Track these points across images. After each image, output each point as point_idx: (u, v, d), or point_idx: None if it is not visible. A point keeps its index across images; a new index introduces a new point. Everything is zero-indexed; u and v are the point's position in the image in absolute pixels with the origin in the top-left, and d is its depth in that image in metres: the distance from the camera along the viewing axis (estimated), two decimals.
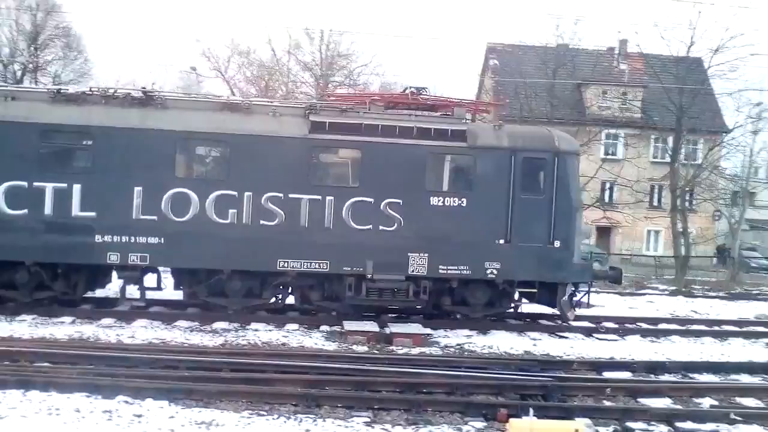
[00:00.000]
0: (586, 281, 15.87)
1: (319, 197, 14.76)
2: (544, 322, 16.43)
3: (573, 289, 15.59)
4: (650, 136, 39.67)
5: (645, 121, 37.54)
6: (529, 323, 15.96)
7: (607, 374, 11.85)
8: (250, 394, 9.37)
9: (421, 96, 16.05)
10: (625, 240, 43.31)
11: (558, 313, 15.83)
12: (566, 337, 15.17)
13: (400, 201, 14.90)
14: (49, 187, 14.22)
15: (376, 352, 12.74)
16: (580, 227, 15.82)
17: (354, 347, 13.05)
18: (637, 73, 41.97)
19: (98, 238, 14.29)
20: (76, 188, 14.28)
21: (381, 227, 14.86)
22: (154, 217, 14.40)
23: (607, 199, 39.27)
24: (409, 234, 14.89)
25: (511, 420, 8.24)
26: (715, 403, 10.41)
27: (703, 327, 16.95)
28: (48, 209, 14.22)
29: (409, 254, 14.91)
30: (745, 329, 16.90)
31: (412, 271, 14.92)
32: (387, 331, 13.83)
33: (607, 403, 10.13)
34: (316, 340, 13.47)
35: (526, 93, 33.34)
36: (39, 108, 14.40)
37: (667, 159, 33.10)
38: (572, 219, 15.45)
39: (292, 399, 9.32)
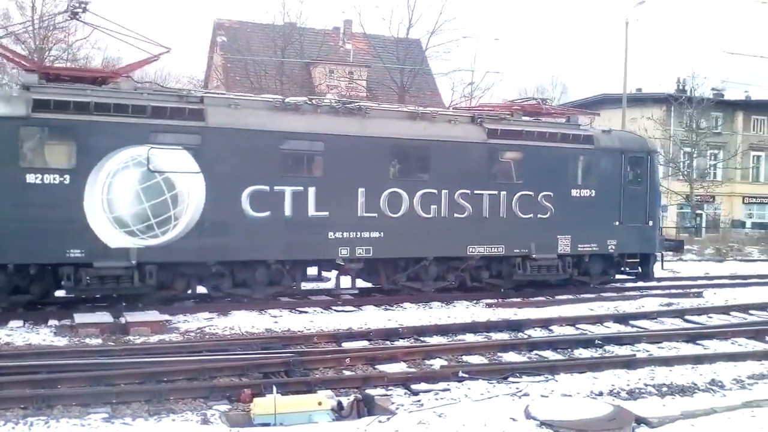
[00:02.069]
0: (664, 251, 20.57)
1: (496, 192, 17.55)
2: (284, 299, 16.62)
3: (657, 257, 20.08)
4: None
5: (370, 99, 39.07)
6: (269, 300, 16.04)
7: (346, 345, 12.27)
8: None
9: (548, 105, 20.92)
10: None
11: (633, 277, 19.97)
12: (306, 312, 15.49)
13: (552, 194, 18.11)
14: (288, 190, 15.42)
15: (111, 343, 12.13)
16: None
17: (87, 340, 12.32)
18: (362, 53, 43.53)
19: (330, 235, 15.83)
20: (311, 191, 15.63)
21: (539, 215, 18.00)
22: (375, 215, 16.28)
23: None
24: (558, 220, 18.14)
25: (255, 399, 8.25)
26: (445, 363, 11.17)
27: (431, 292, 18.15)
28: (288, 211, 15.42)
29: (558, 236, 18.20)
30: (468, 293, 18.27)
31: (561, 250, 18.27)
32: (122, 320, 13.22)
33: (347, 373, 10.48)
34: (44, 337, 12.55)
35: (256, 71, 33.29)
36: (274, 117, 15.52)
37: None
38: (658, 203, 20.27)
39: (20, 402, 8.58)
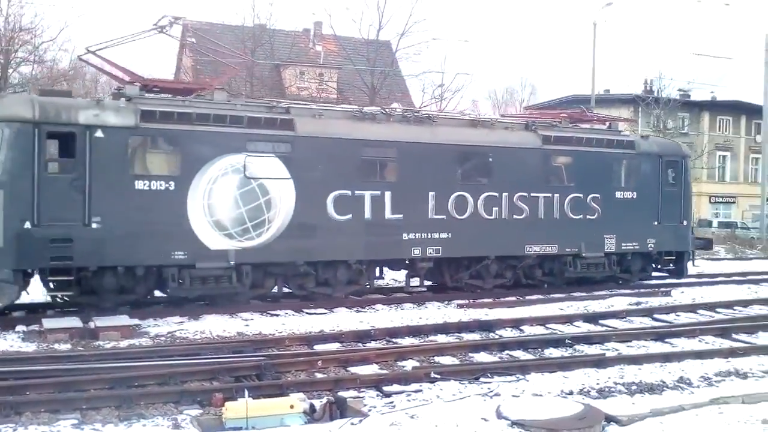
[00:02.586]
0: (695, 249, 21.74)
1: (550, 194, 18.67)
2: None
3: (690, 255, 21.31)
4: None
5: (341, 101, 39.03)
6: (244, 305, 15.96)
7: (318, 347, 12.28)
8: None
9: (591, 113, 22.37)
10: None
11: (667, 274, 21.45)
12: (278, 315, 15.44)
13: (599, 195, 19.34)
14: (367, 195, 16.43)
15: (81, 349, 12.01)
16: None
17: (56, 346, 12.19)
18: (332, 54, 43.49)
19: (405, 236, 16.88)
20: (387, 195, 16.66)
21: (588, 216, 19.21)
22: (443, 217, 17.29)
23: None
24: (604, 220, 19.36)
25: (227, 403, 8.23)
26: (417, 364, 11.21)
27: (403, 294, 18.20)
28: (367, 214, 16.43)
29: (604, 236, 19.42)
30: (440, 294, 18.33)
31: (607, 248, 19.50)
32: (91, 325, 13.10)
33: (319, 376, 10.47)
34: (11, 342, 12.40)
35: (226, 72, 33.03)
36: (355, 125, 16.58)
37: None
38: (691, 204, 21.77)
39: None
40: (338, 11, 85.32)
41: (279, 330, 13.63)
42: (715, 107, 58.86)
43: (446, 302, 17.28)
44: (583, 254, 19.10)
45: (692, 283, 21.22)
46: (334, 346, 12.43)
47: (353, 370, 10.78)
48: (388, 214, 16.67)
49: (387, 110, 17.82)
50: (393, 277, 20.45)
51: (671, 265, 21.16)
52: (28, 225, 13.39)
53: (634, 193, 20.03)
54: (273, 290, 16.45)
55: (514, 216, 18.16)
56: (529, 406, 8.47)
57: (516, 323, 14.58)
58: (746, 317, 16.14)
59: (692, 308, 17.02)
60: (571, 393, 9.69)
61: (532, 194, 18.39)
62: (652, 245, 20.27)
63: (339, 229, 16.14)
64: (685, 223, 20.99)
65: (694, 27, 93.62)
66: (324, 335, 13.07)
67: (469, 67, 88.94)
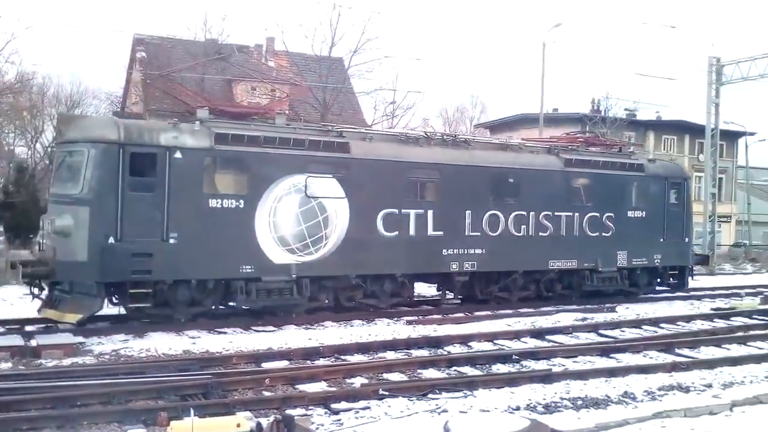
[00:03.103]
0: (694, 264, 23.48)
1: (571, 213, 20.10)
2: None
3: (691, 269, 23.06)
4: None
5: (292, 117, 38.87)
6: (189, 323, 15.75)
7: (266, 365, 12.17)
8: None
9: (603, 137, 25.27)
10: None
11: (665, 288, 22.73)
12: (225, 333, 15.28)
13: (613, 214, 20.83)
14: (412, 213, 17.62)
15: (22, 367, 11.72)
16: None
17: None
18: (284, 70, 43.36)
19: (444, 252, 18.07)
20: (430, 213, 17.86)
21: (603, 233, 20.66)
22: (478, 234, 18.54)
23: None
24: (617, 237, 20.83)
25: (172, 422, 8.10)
26: (366, 381, 11.20)
27: (353, 312, 18.12)
28: (412, 230, 17.58)
29: (617, 252, 20.85)
30: (391, 310, 18.31)
31: (619, 263, 20.90)
32: (33, 343, 12.79)
33: (266, 394, 10.39)
34: None
35: (176, 87, 32.76)
36: (401, 149, 17.90)
37: None
38: (692, 222, 23.36)
39: None
40: (291, 27, 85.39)
41: (226, 348, 13.48)
42: (660, 127, 60.16)
43: (395, 319, 17.31)
44: (600, 269, 20.56)
45: (637, 300, 21.59)
46: (283, 363, 12.34)
47: (301, 387, 10.72)
48: (430, 231, 17.89)
49: (428, 134, 19.50)
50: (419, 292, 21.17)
51: (672, 279, 22.61)
52: (111, 240, 14.20)
53: (643, 212, 21.60)
54: (326, 302, 17.37)
55: (540, 233, 19.58)
56: (477, 422, 8.49)
57: (465, 339, 14.66)
58: (689, 332, 16.50)
59: (637, 324, 17.35)
60: (518, 408, 9.77)
61: (555, 213, 19.83)
62: (659, 260, 21.82)
63: (387, 244, 17.27)
64: (686, 239, 22.73)
65: (640, 48, 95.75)
66: (272, 353, 12.96)
67: (420, 85, 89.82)
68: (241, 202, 15.56)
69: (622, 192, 21.31)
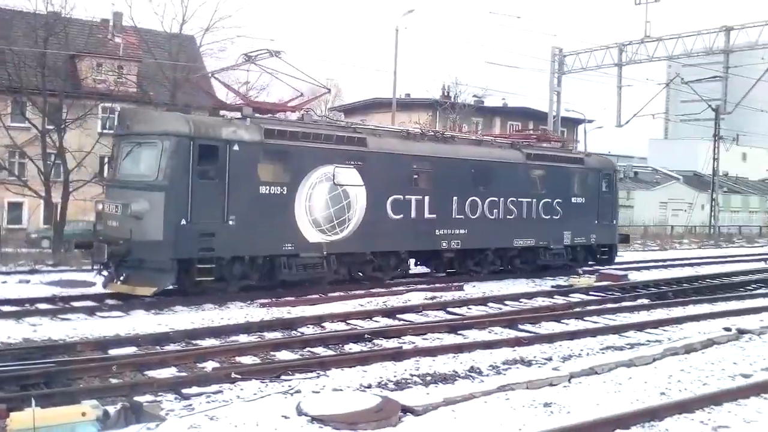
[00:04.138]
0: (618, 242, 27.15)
1: (530, 199, 23.34)
2: (43, 306, 15.64)
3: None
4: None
5: (141, 96, 37.53)
6: (27, 309, 15.00)
7: (113, 351, 11.79)
8: None
9: (551, 134, 29.57)
10: None
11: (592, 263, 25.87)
12: (69, 319, 14.66)
13: (561, 200, 24.15)
14: (413, 199, 20.38)
15: None
16: None
17: None
18: (132, 47, 41.77)
19: (437, 232, 20.97)
20: (426, 199, 20.63)
21: (554, 217, 23.97)
22: (462, 216, 21.52)
23: (105, 174, 38.64)
24: (564, 220, 24.18)
25: (12, 414, 7.71)
26: (217, 365, 11.09)
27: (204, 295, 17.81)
28: (413, 214, 20.37)
29: (564, 232, 24.24)
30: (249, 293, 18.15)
31: (565, 242, 24.32)
32: None
33: (114, 381, 10.10)
34: None
35: (15, 62, 30.84)
36: (405, 143, 20.73)
37: None
38: (618, 207, 27.43)
39: None
40: (140, 2, 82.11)
41: (70, 335, 12.94)
42: (506, 113, 62.45)
43: (249, 302, 17.15)
44: (551, 247, 23.93)
45: (483, 278, 22.46)
46: (131, 350, 11.99)
47: (151, 373, 10.48)
48: (426, 214, 20.65)
49: (423, 131, 22.50)
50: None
51: (602, 255, 26.00)
52: (183, 222, 16.15)
53: (583, 198, 25.02)
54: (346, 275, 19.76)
55: (507, 216, 22.72)
56: (329, 402, 8.63)
57: (318, 320, 14.78)
58: (531, 308, 17.36)
59: (483, 301, 18.06)
60: (369, 386, 9.97)
61: (519, 199, 23.02)
62: (594, 239, 25.41)
63: (394, 226, 19.95)
64: (614, 222, 26.54)
65: (489, 37, 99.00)
66: (119, 339, 12.58)
67: (274, 66, 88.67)
68: (284, 188, 17.82)
69: (567, 182, 24.66)
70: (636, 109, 43.54)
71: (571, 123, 61.20)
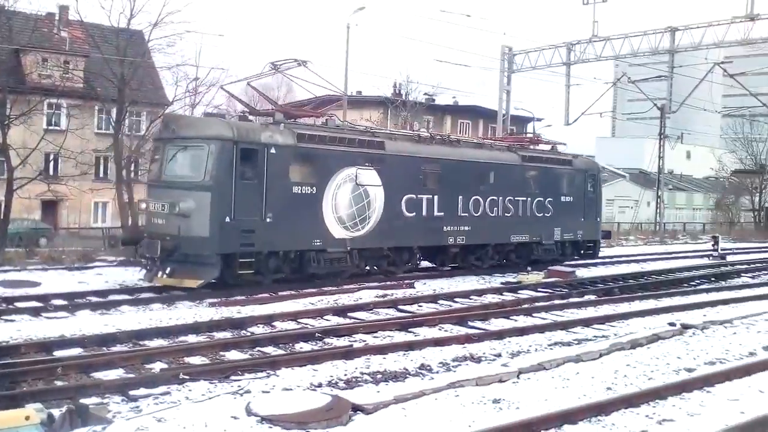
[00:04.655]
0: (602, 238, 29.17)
1: (525, 198, 24.95)
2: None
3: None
4: (94, 106, 39.36)
5: (88, 91, 36.81)
6: None
7: (58, 353, 11.57)
8: None
9: (541, 138, 29.74)
10: (72, 213, 42.37)
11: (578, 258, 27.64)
12: (12, 321, 14.32)
13: (552, 199, 25.83)
14: (424, 198, 21.80)
15: None
16: None
17: None
18: (79, 41, 40.96)
19: (445, 228, 22.47)
20: (435, 198, 22.10)
21: (545, 214, 25.60)
22: (467, 214, 23.00)
23: (51, 171, 37.87)
24: (555, 217, 25.87)
25: None
26: (165, 366, 10.95)
27: (151, 294, 17.59)
28: (424, 212, 21.80)
29: (554, 228, 25.93)
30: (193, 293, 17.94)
31: (556, 238, 26.04)
32: None
33: (59, 383, 9.92)
34: None
35: None
36: (416, 146, 22.21)
37: (112, 130, 33.12)
38: (602, 205, 29.47)
39: None
40: None
41: (13, 336, 12.64)
42: (456, 111, 62.91)
43: (198, 301, 16.98)
44: (543, 242, 25.58)
45: (434, 276, 22.60)
46: (77, 351, 11.78)
47: (97, 375, 10.31)
48: (435, 212, 22.11)
49: (431, 134, 24.25)
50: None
51: (587, 251, 27.78)
52: (227, 219, 17.39)
53: (571, 197, 26.68)
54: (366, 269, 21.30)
55: (506, 214, 24.30)
56: (279, 401, 8.60)
57: (268, 320, 14.68)
58: (480, 305, 17.50)
59: (434, 299, 18.16)
60: (320, 385, 9.96)
61: (515, 198, 24.62)
62: (580, 235, 27.09)
63: (408, 223, 21.39)
64: (598, 219, 28.39)
65: (439, 35, 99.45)
66: (65, 340, 12.33)
67: (224, 61, 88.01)
68: (314, 188, 19.12)
69: (558, 182, 26.37)
70: (584, 108, 44.40)
71: (521, 121, 61.65)
